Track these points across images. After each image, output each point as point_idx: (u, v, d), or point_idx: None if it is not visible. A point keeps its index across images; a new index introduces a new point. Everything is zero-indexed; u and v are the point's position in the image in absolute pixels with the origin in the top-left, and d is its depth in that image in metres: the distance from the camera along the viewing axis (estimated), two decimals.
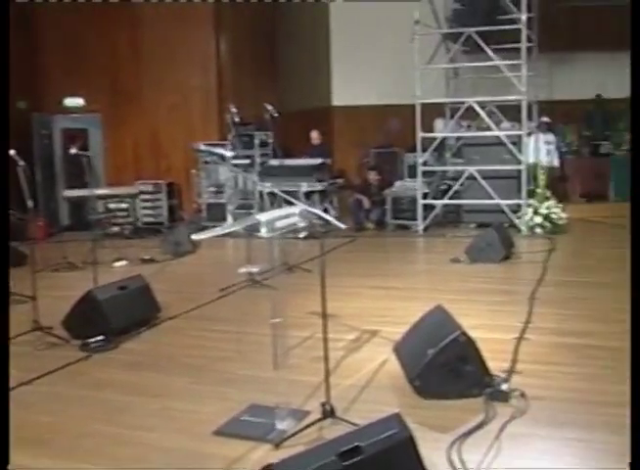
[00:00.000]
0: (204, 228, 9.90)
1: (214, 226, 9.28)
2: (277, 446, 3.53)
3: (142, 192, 12.12)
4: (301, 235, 8.80)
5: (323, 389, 3.78)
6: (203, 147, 11.49)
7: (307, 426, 3.67)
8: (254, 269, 7.13)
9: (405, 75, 11.34)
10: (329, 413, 3.70)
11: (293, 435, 3.61)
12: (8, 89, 4.06)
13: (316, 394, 4.11)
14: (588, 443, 3.59)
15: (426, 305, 4.76)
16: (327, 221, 3.97)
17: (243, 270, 7.27)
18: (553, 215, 10.17)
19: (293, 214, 3.76)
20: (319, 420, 3.70)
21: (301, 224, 3.84)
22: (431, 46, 11.51)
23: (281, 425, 3.76)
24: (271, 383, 4.12)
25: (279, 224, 3.63)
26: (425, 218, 10.78)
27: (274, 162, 11.67)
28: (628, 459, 3.32)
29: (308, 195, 11.05)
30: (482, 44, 10.55)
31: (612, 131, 14.15)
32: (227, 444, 3.64)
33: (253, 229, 3.62)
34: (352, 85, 14.73)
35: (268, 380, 4.27)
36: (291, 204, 9.50)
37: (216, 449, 3.58)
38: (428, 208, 10.91)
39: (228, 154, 10.97)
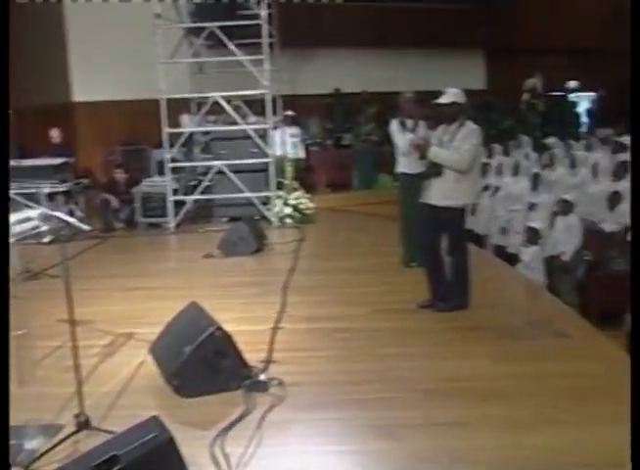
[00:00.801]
0: None
1: None
2: (27, 468, 3.31)
3: None
4: (46, 239, 8.31)
5: (76, 399, 3.61)
6: None
7: (60, 441, 3.49)
8: None
9: (149, 70, 11.13)
10: (84, 425, 3.54)
11: (44, 453, 3.41)
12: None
13: (69, 405, 3.90)
14: (344, 421, 3.80)
15: (181, 304, 4.72)
16: (68, 223, 3.78)
17: None
18: (301, 206, 10.57)
19: (30, 218, 3.54)
20: (73, 433, 3.53)
21: (43, 228, 3.63)
22: (174, 41, 11.41)
23: (30, 444, 3.53)
24: (17, 400, 3.84)
25: (16, 229, 3.40)
26: (176, 215, 10.69)
27: (10, 163, 10.86)
28: (382, 432, 3.57)
29: (52, 196, 10.46)
30: (225, 39, 10.66)
31: (352, 124, 15.03)
32: None
33: None
34: (94, 81, 14.15)
35: (13, 397, 3.99)
36: (31, 207, 8.92)
37: None
38: (178, 204, 10.82)
39: None
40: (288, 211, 10.52)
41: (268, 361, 4.65)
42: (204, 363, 4.12)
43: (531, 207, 8.60)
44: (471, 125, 5.49)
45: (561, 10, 16.69)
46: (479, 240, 9.74)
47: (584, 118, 17.70)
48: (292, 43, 13.61)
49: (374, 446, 3.52)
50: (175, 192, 10.91)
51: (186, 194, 11.11)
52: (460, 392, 4.10)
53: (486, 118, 15.83)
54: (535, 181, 8.81)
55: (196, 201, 11.07)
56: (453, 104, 5.44)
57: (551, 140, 12.44)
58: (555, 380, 4.21)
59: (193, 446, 3.37)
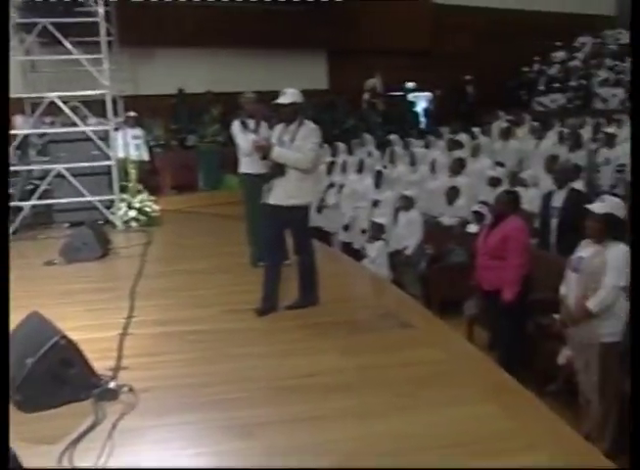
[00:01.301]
0: None
1: None
2: None
3: None
4: None
5: None
6: None
7: None
8: None
9: None
10: None
11: None
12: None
13: None
14: (198, 423, 3.79)
15: (22, 314, 4.51)
16: None
17: None
18: (147, 209, 10.37)
19: None
20: None
21: None
22: None
23: None
24: None
25: None
26: (12, 222, 10.17)
27: None
28: (237, 431, 3.59)
29: None
30: (60, 36, 10.25)
31: (196, 124, 14.91)
32: None
33: None
34: None
35: None
36: None
37: None
38: (15, 210, 10.30)
39: None
40: (133, 214, 10.28)
41: (117, 368, 4.54)
42: (48, 375, 3.96)
43: (375, 203, 8.90)
44: (310, 125, 5.60)
45: (398, 11, 17.35)
46: (326, 237, 9.96)
47: (422, 117, 18.52)
48: (133, 42, 13.30)
49: (229, 447, 3.54)
50: (10, 197, 10.37)
51: (22, 199, 10.59)
52: (312, 386, 4.20)
53: (330, 118, 16.22)
54: (378, 178, 9.13)
55: (34, 206, 10.58)
56: (292, 104, 5.53)
57: (392, 138, 12.91)
58: (401, 369, 4.40)
59: (40, 463, 3.25)
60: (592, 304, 4.35)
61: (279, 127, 5.68)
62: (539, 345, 5.48)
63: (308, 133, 5.54)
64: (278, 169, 5.51)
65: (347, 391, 4.12)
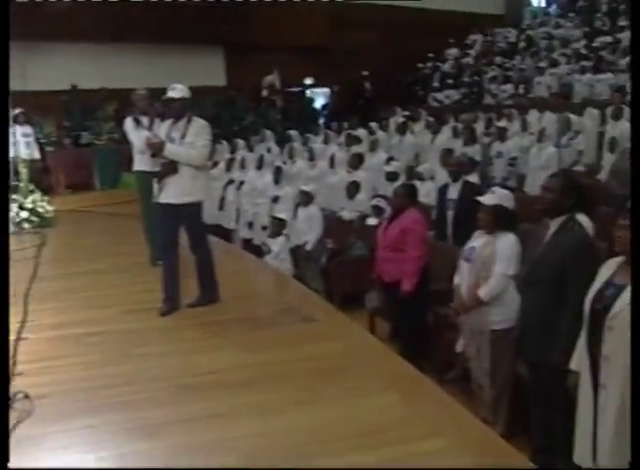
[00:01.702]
0: None
1: None
2: None
3: None
4: None
5: None
6: None
7: None
8: None
9: None
10: None
11: None
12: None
13: None
14: (99, 427, 3.72)
15: None
16: None
17: None
18: (40, 209, 10.03)
19: None
20: None
21: None
22: None
23: None
24: None
25: None
26: None
27: None
28: (139, 432, 3.55)
29: None
30: None
31: (91, 121, 14.52)
32: None
33: None
34: None
35: None
36: None
37: None
38: None
39: None
40: (25, 215, 9.92)
41: (12, 375, 4.39)
42: None
43: (275, 199, 8.92)
44: (200, 121, 5.56)
45: (296, 8, 17.41)
46: (226, 234, 9.92)
47: (321, 113, 18.68)
48: (21, 35, 12.79)
49: (132, 448, 3.49)
50: None
51: None
52: (213, 384, 4.19)
53: (229, 114, 16.14)
54: (277, 174, 9.15)
55: None
56: (182, 99, 5.48)
57: (291, 134, 12.97)
58: (304, 363, 4.45)
59: None
60: (483, 292, 4.50)
61: (166, 124, 5.59)
62: (438, 334, 5.64)
63: (199, 130, 5.50)
64: (171, 167, 5.43)
65: (249, 387, 4.13)
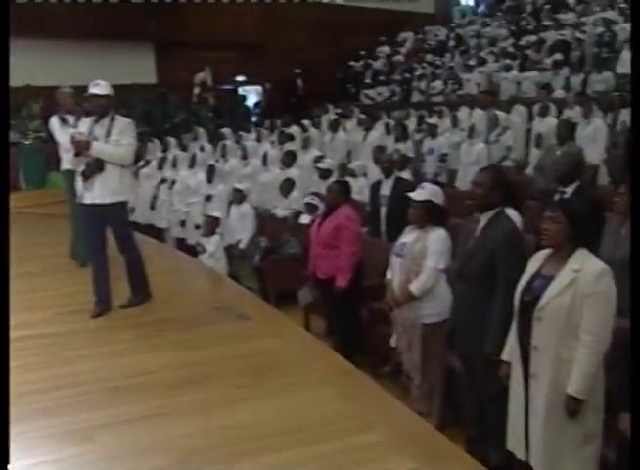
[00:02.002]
0: None
1: None
2: None
3: None
4: None
5: None
6: None
7: None
8: None
9: None
10: None
11: None
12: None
13: None
14: (31, 432, 3.68)
15: None
16: None
17: None
18: None
19: None
20: None
21: None
22: None
23: None
24: None
25: None
26: None
27: None
28: (76, 436, 3.50)
29: None
30: None
31: (16, 120, 14.15)
32: None
33: None
34: None
35: None
36: None
37: None
38: None
39: None
40: None
41: None
42: None
43: (208, 198, 8.88)
44: (124, 119, 5.49)
45: (229, 5, 17.33)
46: (159, 234, 9.83)
47: (253, 111, 18.64)
48: None
49: (68, 453, 3.45)
50: None
51: None
52: (150, 385, 4.17)
53: (160, 112, 15.97)
54: (210, 173, 9.11)
55: None
56: (106, 96, 5.41)
57: (224, 132, 12.91)
58: (240, 360, 4.46)
59: None
60: (414, 287, 4.58)
61: (88, 121, 5.49)
62: (372, 329, 5.71)
63: (124, 128, 5.43)
64: (96, 166, 5.34)
65: (185, 386, 4.12)
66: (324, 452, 3.28)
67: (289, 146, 10.65)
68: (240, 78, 18.99)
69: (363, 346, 5.94)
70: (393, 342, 5.00)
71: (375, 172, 8.24)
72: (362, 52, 19.71)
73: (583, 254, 3.38)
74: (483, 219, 4.05)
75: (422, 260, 4.59)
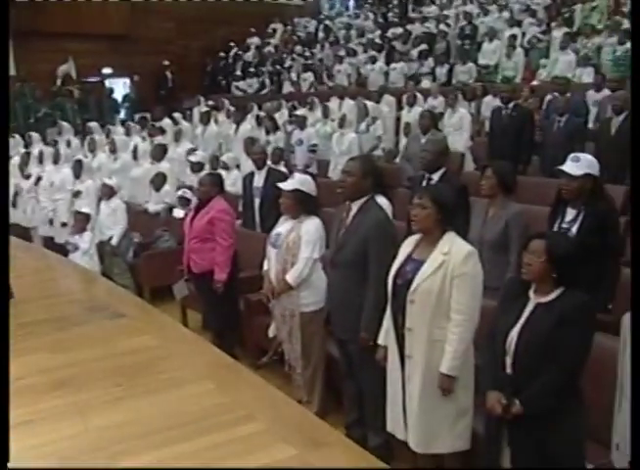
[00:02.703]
0: None
1: None
2: None
3: None
4: None
5: None
6: None
7: None
8: None
9: None
10: None
11: None
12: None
13: None
14: None
15: None
16: None
17: None
18: None
19: None
20: None
21: None
22: None
23: None
24: None
25: None
26: None
27: None
28: None
29: None
30: None
31: None
32: None
33: None
34: None
35: None
36: None
37: None
38: None
39: None
40: None
41: None
42: None
43: (76, 194, 8.60)
44: None
45: None
46: (25, 233, 9.44)
47: (121, 104, 18.15)
48: None
49: None
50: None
51: None
52: (22, 390, 3.99)
53: (22, 106, 15.28)
54: (78, 168, 8.80)
55: None
56: None
57: (91, 126, 12.53)
58: (116, 359, 4.35)
59: None
60: (290, 277, 4.63)
61: None
62: (250, 320, 5.73)
63: None
64: None
65: (61, 389, 3.98)
66: (205, 446, 3.25)
67: (160, 139, 10.47)
68: (106, 70, 18.43)
69: (242, 338, 5.96)
70: (272, 332, 5.04)
71: (248, 164, 8.24)
72: (232, 43, 19.58)
73: (451, 237, 3.53)
74: (354, 207, 4.14)
75: (297, 250, 4.63)
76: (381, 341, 3.81)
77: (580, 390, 3.16)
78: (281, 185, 4.71)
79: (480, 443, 3.51)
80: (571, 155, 4.29)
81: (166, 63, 18.62)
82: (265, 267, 4.94)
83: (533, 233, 3.35)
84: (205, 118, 12.33)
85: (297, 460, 2.98)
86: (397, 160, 9.48)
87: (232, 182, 8.25)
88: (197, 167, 8.36)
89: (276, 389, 3.93)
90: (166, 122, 12.62)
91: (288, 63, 17.66)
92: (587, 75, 11.09)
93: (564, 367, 3.00)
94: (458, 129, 9.58)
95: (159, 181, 8.52)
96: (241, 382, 4.00)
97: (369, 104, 11.12)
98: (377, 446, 4.14)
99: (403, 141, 9.72)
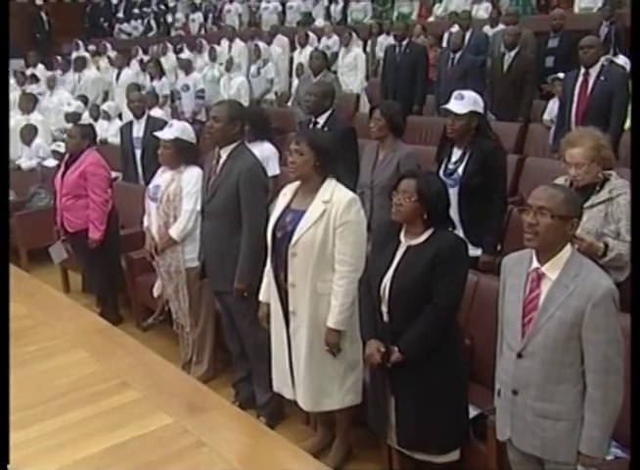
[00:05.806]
0: None
1: None
2: None
3: None
4: None
5: None
6: None
7: None
8: None
9: None
10: None
11: None
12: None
13: None
14: None
15: None
16: None
17: None
18: None
19: None
20: None
21: None
22: None
23: None
24: None
25: None
26: None
27: None
28: None
29: None
30: None
31: None
32: None
33: None
34: None
35: None
36: None
37: None
38: None
39: None
40: None
41: None
42: None
43: None
44: None
45: None
46: None
47: None
48: None
49: None
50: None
51: None
52: None
53: None
54: None
55: None
56: None
57: None
58: None
59: None
60: (173, 231, 4.48)
61: None
62: (134, 280, 5.55)
63: None
64: None
65: None
66: (78, 420, 3.12)
67: (33, 88, 9.95)
68: None
69: (127, 299, 5.78)
70: (157, 291, 4.89)
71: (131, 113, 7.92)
72: None
73: (332, 184, 3.42)
74: (223, 154, 3.98)
75: (178, 203, 4.48)
76: (262, 297, 3.71)
77: (459, 330, 3.18)
78: (159, 134, 4.51)
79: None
80: (455, 92, 4.26)
81: (39, 2, 17.63)
82: (146, 223, 4.76)
83: (404, 172, 3.31)
84: (81, 64, 11.70)
85: (171, 429, 2.88)
86: (289, 103, 9.33)
87: (114, 133, 7.93)
88: (72, 118, 7.97)
89: (155, 353, 3.80)
90: (40, 68, 12.00)
91: (172, 2, 17.04)
92: (484, 11, 11.15)
93: (439, 309, 3.00)
94: (353, 69, 9.49)
95: (28, 134, 8.05)
96: (116, 348, 3.86)
97: (261, 45, 10.86)
98: (265, 404, 4.10)
99: (295, 83, 9.57)
